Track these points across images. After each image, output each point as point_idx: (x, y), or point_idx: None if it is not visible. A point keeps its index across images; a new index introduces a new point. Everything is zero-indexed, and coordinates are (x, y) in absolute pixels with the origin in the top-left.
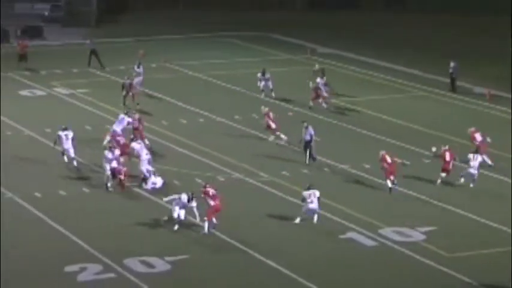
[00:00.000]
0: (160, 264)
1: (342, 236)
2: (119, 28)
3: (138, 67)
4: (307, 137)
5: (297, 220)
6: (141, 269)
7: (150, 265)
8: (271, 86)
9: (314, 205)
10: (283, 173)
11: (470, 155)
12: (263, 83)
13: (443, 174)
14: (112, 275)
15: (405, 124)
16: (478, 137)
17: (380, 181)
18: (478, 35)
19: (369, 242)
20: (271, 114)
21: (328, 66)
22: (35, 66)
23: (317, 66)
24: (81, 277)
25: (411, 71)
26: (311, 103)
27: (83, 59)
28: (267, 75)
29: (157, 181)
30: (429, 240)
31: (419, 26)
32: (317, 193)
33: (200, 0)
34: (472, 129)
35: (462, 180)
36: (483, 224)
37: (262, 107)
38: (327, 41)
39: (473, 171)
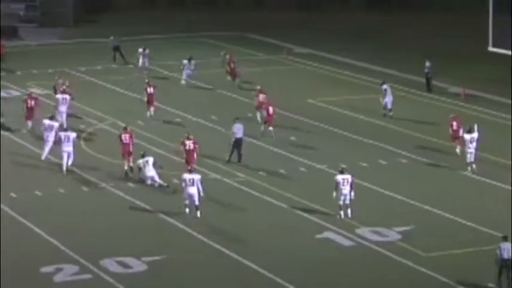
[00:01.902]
0: (137, 265)
1: (318, 236)
2: (96, 28)
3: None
4: (239, 134)
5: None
6: (118, 269)
7: (126, 265)
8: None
9: (346, 191)
10: (260, 173)
11: (466, 136)
12: (188, 71)
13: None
14: (88, 275)
15: (382, 124)
16: (455, 125)
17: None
18: (455, 34)
19: (346, 242)
20: (270, 109)
21: (305, 67)
22: (10, 66)
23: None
24: (57, 278)
25: (388, 71)
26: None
27: (59, 59)
28: (192, 65)
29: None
30: (406, 239)
31: (398, 26)
32: (349, 178)
33: (177, 1)
34: (452, 115)
35: (473, 166)
36: (459, 224)
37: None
38: (303, 41)
39: (472, 150)
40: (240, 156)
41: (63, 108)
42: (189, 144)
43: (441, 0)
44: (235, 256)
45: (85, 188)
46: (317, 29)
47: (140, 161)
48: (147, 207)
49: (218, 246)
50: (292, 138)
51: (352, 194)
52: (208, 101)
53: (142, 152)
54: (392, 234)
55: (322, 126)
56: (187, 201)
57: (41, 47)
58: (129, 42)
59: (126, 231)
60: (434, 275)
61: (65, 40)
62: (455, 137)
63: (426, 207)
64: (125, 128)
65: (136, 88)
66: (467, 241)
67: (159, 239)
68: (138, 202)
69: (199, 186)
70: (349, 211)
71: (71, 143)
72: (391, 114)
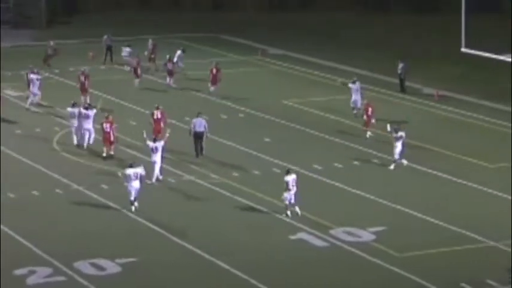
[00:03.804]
0: (111, 267)
1: (292, 237)
2: (69, 30)
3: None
4: (201, 129)
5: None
6: (91, 271)
7: (100, 267)
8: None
9: (293, 191)
10: (234, 174)
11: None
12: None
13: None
14: (62, 278)
15: (355, 125)
16: (370, 111)
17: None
18: (429, 34)
19: (320, 243)
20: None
21: (279, 68)
22: None
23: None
24: (31, 280)
25: (362, 72)
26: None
27: (33, 61)
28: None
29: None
30: (379, 240)
31: (373, 26)
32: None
33: (150, 2)
34: (365, 101)
35: (403, 162)
36: (433, 224)
37: None
38: (277, 42)
39: (399, 148)
40: (200, 149)
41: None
42: (157, 113)
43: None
44: (209, 257)
45: (58, 190)
46: (290, 30)
47: (127, 172)
48: (120, 208)
49: (192, 247)
50: (266, 139)
51: (289, 193)
52: (180, 102)
53: (130, 163)
54: (366, 235)
55: (296, 127)
56: (132, 197)
57: (14, 48)
58: (101, 44)
59: (99, 233)
60: (408, 275)
61: (38, 42)
62: (368, 123)
63: (399, 207)
64: (107, 117)
65: (115, 89)
66: (440, 241)
67: (133, 240)
68: (111, 203)
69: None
70: (297, 209)
71: (90, 120)
72: (355, 112)
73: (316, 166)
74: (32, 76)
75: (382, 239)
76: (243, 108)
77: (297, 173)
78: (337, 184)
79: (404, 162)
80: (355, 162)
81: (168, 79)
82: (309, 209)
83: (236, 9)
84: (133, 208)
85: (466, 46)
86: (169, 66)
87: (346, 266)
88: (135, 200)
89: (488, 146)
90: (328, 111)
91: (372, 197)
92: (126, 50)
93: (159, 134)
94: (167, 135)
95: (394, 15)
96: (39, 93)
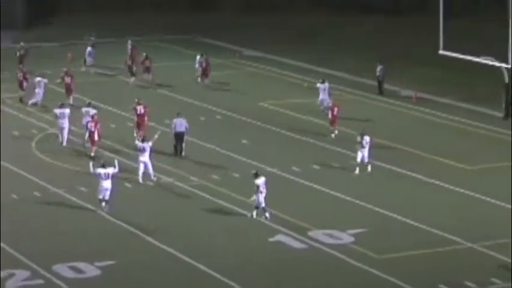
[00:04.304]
0: (90, 270)
1: (271, 239)
2: (48, 32)
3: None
4: (182, 129)
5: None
6: (70, 274)
7: (79, 271)
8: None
9: (264, 193)
10: (213, 176)
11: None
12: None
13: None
14: (40, 281)
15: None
16: (336, 111)
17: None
18: (408, 35)
19: (298, 245)
20: None
21: (257, 70)
22: None
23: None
24: (9, 284)
25: (340, 74)
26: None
27: (10, 64)
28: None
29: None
30: (359, 242)
31: (352, 27)
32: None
33: (129, 3)
34: (332, 101)
35: (368, 168)
36: (412, 226)
37: None
38: (254, 44)
39: (365, 152)
40: (180, 149)
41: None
42: (140, 108)
43: (392, 1)
44: (189, 259)
45: (37, 193)
46: (267, 31)
47: (98, 172)
48: (98, 211)
49: (171, 250)
50: (244, 141)
51: (260, 196)
52: (158, 104)
53: (102, 161)
54: (345, 237)
55: (273, 129)
56: (101, 196)
57: None
58: (80, 46)
59: (78, 236)
60: (387, 277)
61: (17, 44)
62: (333, 122)
63: (378, 209)
64: (92, 116)
65: (94, 91)
66: (420, 243)
67: (112, 243)
68: (89, 206)
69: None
70: (267, 213)
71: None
72: (322, 109)
73: (294, 168)
74: (39, 79)
75: (361, 241)
76: (220, 110)
77: (265, 176)
78: (315, 186)
79: (369, 168)
80: (333, 164)
81: (146, 75)
82: (288, 211)
83: (212, 10)
84: (106, 208)
85: (444, 48)
86: (147, 63)
87: (325, 268)
88: (106, 201)
89: (467, 148)
90: (305, 112)
91: (351, 199)
92: (88, 50)
93: (143, 128)
94: (156, 136)
95: (372, 16)
96: (41, 93)
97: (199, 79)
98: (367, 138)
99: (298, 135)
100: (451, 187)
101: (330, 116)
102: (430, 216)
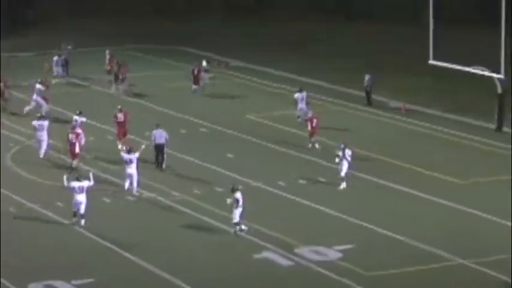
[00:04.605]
0: None
1: (256, 256)
2: (24, 41)
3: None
4: (162, 140)
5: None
6: None
7: None
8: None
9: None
10: (196, 191)
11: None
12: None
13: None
14: None
15: (321, 139)
16: (314, 123)
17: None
18: (396, 45)
19: (285, 262)
20: None
21: (243, 81)
22: None
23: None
24: None
25: (328, 85)
26: None
27: None
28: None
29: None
30: (346, 258)
31: (340, 36)
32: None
33: (108, 12)
34: (311, 115)
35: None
36: (399, 242)
37: None
38: (239, 54)
39: (344, 166)
40: (161, 161)
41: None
42: (120, 116)
43: (380, 10)
44: (169, 277)
45: (12, 209)
46: (252, 40)
47: (72, 185)
48: (75, 227)
49: (151, 266)
50: (229, 154)
51: (240, 210)
52: (137, 116)
53: (76, 175)
54: (332, 253)
55: (259, 142)
56: (75, 209)
57: None
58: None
59: (55, 253)
60: None
61: None
62: (313, 134)
63: (365, 224)
64: (73, 128)
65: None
66: (408, 259)
67: (90, 260)
68: (65, 222)
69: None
70: (243, 226)
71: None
72: (299, 120)
73: (280, 182)
74: (39, 86)
75: (349, 258)
76: (204, 123)
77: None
78: (301, 201)
79: (343, 184)
80: (319, 178)
81: (122, 86)
82: (274, 227)
83: (196, 20)
84: (81, 222)
85: (434, 58)
86: (123, 72)
87: (312, 286)
88: (81, 216)
89: (458, 161)
90: (292, 125)
91: (338, 214)
92: (54, 60)
93: (124, 137)
94: (143, 146)
95: (360, 25)
96: (44, 103)
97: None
98: (348, 152)
99: (284, 148)
100: (441, 201)
101: (309, 127)
102: (418, 230)
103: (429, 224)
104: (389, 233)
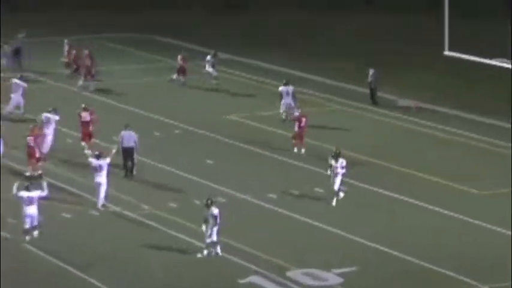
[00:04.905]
0: None
1: (242, 281)
2: None
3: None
4: (131, 143)
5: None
6: None
7: None
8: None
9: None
10: (170, 204)
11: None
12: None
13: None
14: None
15: (316, 143)
16: (303, 122)
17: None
18: (404, 36)
19: (275, 287)
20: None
21: (225, 75)
22: None
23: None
24: None
25: (326, 81)
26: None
27: None
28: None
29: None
30: (348, 283)
31: (335, 27)
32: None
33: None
34: (298, 114)
35: (339, 195)
36: (409, 263)
37: None
38: (223, 45)
39: (340, 177)
40: (131, 167)
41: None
42: (85, 115)
43: None
44: None
45: None
46: (239, 31)
47: (20, 195)
48: (27, 245)
49: None
50: (209, 161)
51: (216, 229)
52: (108, 119)
53: (26, 184)
54: (332, 277)
55: (245, 147)
56: (27, 226)
57: None
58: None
59: (4, 276)
60: None
61: None
62: (300, 136)
63: (368, 243)
64: (32, 130)
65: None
66: (419, 283)
67: (46, 286)
68: (9, 236)
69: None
70: (218, 248)
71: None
72: (283, 118)
73: (269, 194)
74: (17, 81)
75: (352, 283)
76: (179, 124)
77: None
78: (293, 215)
79: (341, 194)
80: (316, 189)
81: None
82: (262, 246)
83: (176, 8)
84: (27, 238)
85: (450, 49)
86: (88, 64)
87: None
88: (33, 228)
89: (478, 169)
90: (282, 127)
91: (336, 231)
92: (2, 50)
93: (89, 139)
94: (114, 151)
95: (362, 14)
96: (22, 100)
97: (181, 78)
98: (342, 162)
99: (274, 154)
100: (460, 216)
101: (296, 128)
102: (430, 251)
103: (448, 245)
104: (395, 253)
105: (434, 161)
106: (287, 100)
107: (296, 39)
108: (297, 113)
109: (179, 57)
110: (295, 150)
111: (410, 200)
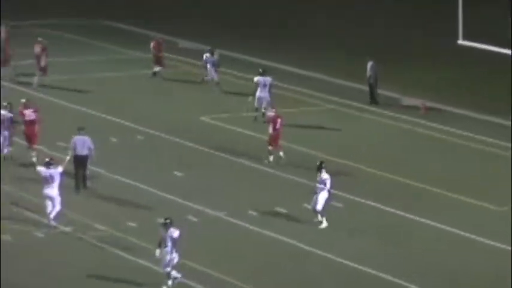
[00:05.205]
0: None
1: None
2: None
3: None
4: (85, 151)
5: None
6: None
7: None
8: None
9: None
10: (130, 223)
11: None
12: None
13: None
14: None
15: (304, 150)
16: (279, 123)
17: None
18: (410, 26)
19: None
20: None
21: (196, 69)
22: None
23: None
24: None
25: (318, 76)
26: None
27: None
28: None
29: None
30: None
31: (327, 16)
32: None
33: None
34: (273, 114)
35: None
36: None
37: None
38: (192, 32)
39: (324, 194)
40: (83, 179)
41: None
42: (29, 113)
43: None
44: None
45: None
46: (215, 18)
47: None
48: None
49: None
50: (177, 173)
51: (176, 255)
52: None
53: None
54: None
55: (219, 155)
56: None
57: None
58: None
59: None
60: None
61: None
62: (276, 140)
63: (381, 274)
64: None
65: None
66: None
67: None
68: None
69: None
70: (176, 273)
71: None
72: (256, 114)
73: (250, 212)
74: None
75: None
76: (142, 128)
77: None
78: (281, 238)
79: (324, 223)
80: (306, 205)
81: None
82: (240, 276)
83: None
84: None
85: (464, 38)
86: (38, 53)
87: None
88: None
89: (490, 180)
90: (263, 130)
91: (335, 258)
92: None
93: (33, 142)
94: (68, 158)
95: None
96: None
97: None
98: (325, 176)
99: (254, 164)
100: (471, 236)
101: (270, 130)
102: (444, 279)
103: (458, 270)
104: (406, 283)
105: (450, 172)
106: (263, 93)
107: (284, 27)
108: (271, 113)
109: (152, 44)
110: (271, 159)
111: (437, 224)
